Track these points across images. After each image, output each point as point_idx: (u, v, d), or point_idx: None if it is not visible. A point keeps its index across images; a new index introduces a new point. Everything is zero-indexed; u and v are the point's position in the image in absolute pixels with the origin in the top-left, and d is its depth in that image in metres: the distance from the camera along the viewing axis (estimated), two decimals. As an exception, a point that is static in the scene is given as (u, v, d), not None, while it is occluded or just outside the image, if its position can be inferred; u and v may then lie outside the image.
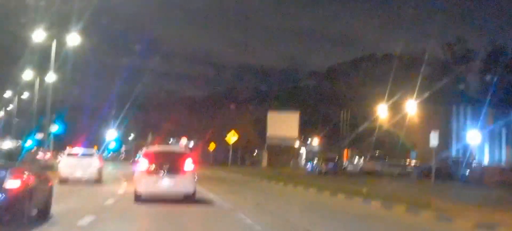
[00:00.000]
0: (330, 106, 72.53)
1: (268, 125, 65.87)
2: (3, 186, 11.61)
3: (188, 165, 18.96)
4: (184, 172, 18.90)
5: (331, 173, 47.11)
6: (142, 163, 19.12)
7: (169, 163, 18.91)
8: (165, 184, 18.79)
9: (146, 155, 19.46)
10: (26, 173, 12.59)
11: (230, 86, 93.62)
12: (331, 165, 49.58)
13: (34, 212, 13.32)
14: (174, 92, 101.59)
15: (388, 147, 58.09)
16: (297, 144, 67.46)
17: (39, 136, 57.32)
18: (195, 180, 19.37)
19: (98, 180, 29.18)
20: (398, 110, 56.98)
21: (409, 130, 55.31)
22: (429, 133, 56.36)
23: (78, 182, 28.34)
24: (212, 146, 75.68)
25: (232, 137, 53.38)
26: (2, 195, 11.58)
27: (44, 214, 14.03)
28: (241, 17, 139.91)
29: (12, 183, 11.77)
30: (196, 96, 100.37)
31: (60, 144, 68.42)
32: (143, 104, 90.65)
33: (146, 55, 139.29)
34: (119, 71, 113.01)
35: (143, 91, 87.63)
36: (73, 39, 41.79)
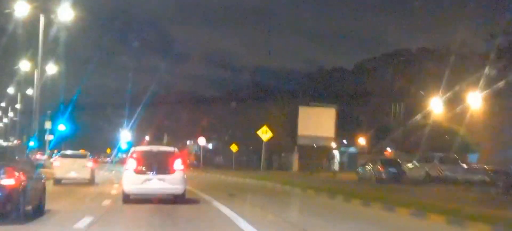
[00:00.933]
0: (368, 102, 61.02)
1: (299, 123, 54.12)
2: None
3: (177, 164, 18.08)
4: (173, 171, 17.99)
5: (393, 181, 35.24)
6: (130, 163, 18.13)
7: (158, 163, 18.07)
8: (154, 184, 17.90)
9: (134, 155, 18.36)
10: (19, 171, 12.61)
11: (251, 84, 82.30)
12: (392, 170, 37.31)
13: (29, 208, 13.42)
14: (191, 93, 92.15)
15: (443, 147, 46.48)
16: (333, 145, 55.29)
17: (49, 137, 53.98)
18: (185, 179, 18.39)
19: (90, 181, 29.04)
20: (453, 106, 46.03)
21: (469, 128, 43.82)
22: (497, 130, 45.33)
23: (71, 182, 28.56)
24: (234, 147, 63.89)
25: (265, 134, 41.34)
26: None
27: (38, 210, 14.15)
28: (257, 19, 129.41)
29: (6, 181, 12.09)
30: (214, 96, 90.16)
31: (70, 144, 64.12)
32: (158, 105, 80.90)
33: (162, 56, 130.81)
34: (134, 72, 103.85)
35: (159, 92, 79.61)
36: (66, 14, 34.65)
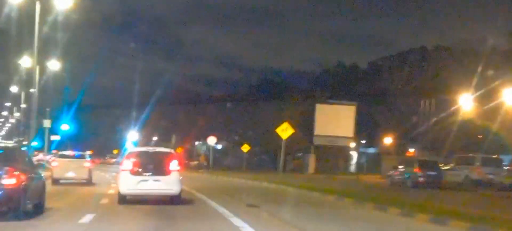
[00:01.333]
0: (386, 101, 56.51)
1: (316, 121, 49.75)
2: (0, 183, 12.35)
3: (174, 165, 17.49)
4: (169, 172, 17.37)
5: (431, 185, 30.41)
6: (126, 164, 17.56)
7: (154, 164, 17.51)
8: (150, 184, 17.29)
9: (130, 156, 17.91)
10: (20, 171, 12.84)
11: (264, 83, 77.93)
12: (432, 173, 32.36)
13: (30, 206, 13.65)
14: (200, 94, 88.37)
15: (471, 147, 41.96)
16: (353, 145, 50.53)
17: (55, 137, 53.47)
18: (181, 180, 17.71)
19: (88, 181, 28.80)
20: (482, 103, 41.58)
21: (503, 126, 39.37)
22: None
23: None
24: (245, 148, 59.04)
25: (285, 132, 36.57)
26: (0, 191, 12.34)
27: (39, 208, 14.38)
28: (267, 20, 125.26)
29: (7, 181, 12.35)
30: (224, 95, 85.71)
31: (76, 145, 60.49)
32: (166, 105, 76.77)
33: (171, 57, 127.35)
34: (142, 72, 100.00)
35: (167, 92, 75.45)
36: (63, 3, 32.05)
